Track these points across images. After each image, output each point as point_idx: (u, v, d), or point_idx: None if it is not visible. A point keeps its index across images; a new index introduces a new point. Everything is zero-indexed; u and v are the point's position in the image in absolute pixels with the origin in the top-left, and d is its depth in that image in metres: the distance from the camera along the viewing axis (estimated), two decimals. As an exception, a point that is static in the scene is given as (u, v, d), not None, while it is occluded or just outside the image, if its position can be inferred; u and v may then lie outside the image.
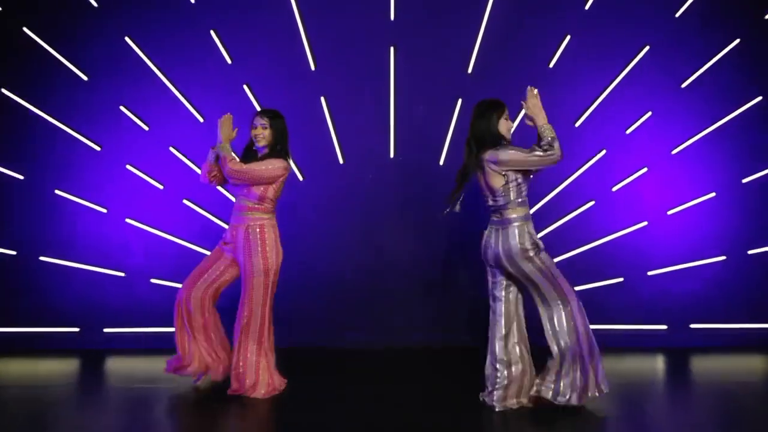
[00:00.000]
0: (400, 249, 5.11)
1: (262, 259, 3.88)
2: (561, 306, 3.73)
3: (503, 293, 3.81)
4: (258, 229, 3.89)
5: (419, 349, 4.97)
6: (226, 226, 5.02)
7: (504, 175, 3.66)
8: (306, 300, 5.07)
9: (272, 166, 3.87)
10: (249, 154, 4.03)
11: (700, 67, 5.05)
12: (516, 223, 3.67)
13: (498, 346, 3.78)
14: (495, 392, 3.74)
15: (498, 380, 3.75)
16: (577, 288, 4.96)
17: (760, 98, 5.04)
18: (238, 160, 3.93)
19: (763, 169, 5.09)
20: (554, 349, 3.71)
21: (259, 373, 3.91)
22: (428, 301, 5.10)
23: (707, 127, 5.08)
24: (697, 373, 4.55)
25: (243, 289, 3.93)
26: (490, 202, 3.75)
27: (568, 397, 3.67)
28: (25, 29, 4.90)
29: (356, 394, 3.98)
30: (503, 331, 3.78)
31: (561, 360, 3.70)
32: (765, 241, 5.11)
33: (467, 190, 3.90)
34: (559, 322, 3.72)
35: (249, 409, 3.78)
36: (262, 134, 3.92)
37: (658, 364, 4.78)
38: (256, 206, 3.91)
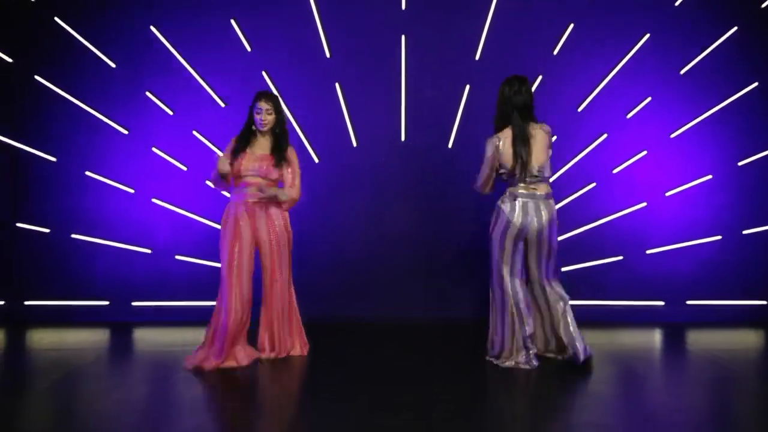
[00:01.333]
0: (410, 228, 5.21)
1: (286, 230, 4.11)
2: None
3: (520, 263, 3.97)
4: (275, 205, 4.09)
5: (422, 323, 5.05)
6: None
7: (550, 149, 3.87)
8: (318, 275, 5.16)
9: (296, 161, 4.11)
10: (247, 134, 4.08)
11: (699, 54, 5.12)
12: (552, 198, 3.89)
13: (525, 308, 3.91)
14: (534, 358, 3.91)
15: (531, 347, 3.90)
16: (578, 265, 5.18)
17: (756, 84, 5.10)
18: (285, 191, 4.06)
19: (759, 152, 5.16)
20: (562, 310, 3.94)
21: (294, 335, 4.19)
22: (433, 278, 5.21)
23: (705, 112, 5.14)
24: (692, 347, 4.63)
25: (273, 262, 4.07)
26: (535, 174, 3.79)
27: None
28: (57, 19, 5.05)
29: (362, 364, 4.05)
30: (528, 296, 3.97)
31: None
32: (759, 222, 5.19)
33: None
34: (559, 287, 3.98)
35: (266, 375, 3.88)
36: (269, 119, 4.02)
37: (655, 337, 4.86)
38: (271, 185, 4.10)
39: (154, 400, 3.48)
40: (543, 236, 3.86)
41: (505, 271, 3.91)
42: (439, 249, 5.23)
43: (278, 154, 4.05)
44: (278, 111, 4.05)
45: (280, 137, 4.08)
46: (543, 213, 3.84)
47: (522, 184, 3.84)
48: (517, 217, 3.83)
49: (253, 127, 4.08)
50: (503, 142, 3.84)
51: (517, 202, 3.84)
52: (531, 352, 3.89)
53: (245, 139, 4.07)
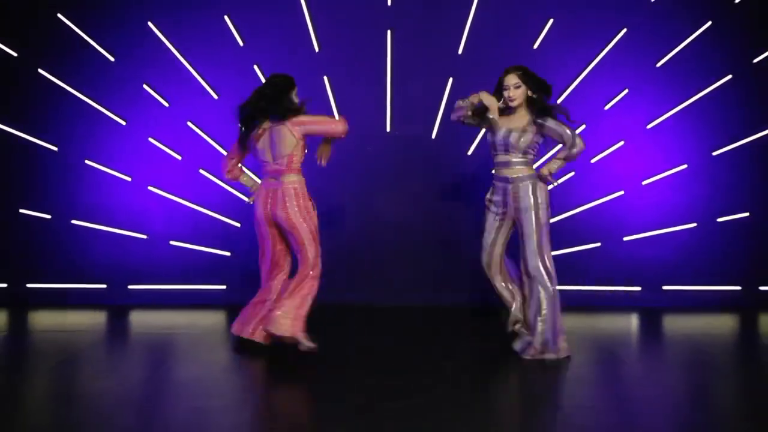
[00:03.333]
0: (396, 215, 5.25)
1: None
2: None
3: None
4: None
5: (409, 309, 5.09)
6: (236, 194, 5.22)
7: None
8: None
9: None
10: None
11: (674, 48, 5.16)
12: None
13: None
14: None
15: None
16: (558, 252, 5.13)
17: (730, 76, 5.14)
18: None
19: (732, 143, 5.20)
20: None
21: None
22: (419, 265, 5.26)
23: (680, 104, 5.18)
24: (668, 331, 4.69)
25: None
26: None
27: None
28: (59, 15, 5.16)
29: (357, 349, 4.08)
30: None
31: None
32: (733, 210, 5.22)
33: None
34: None
35: (260, 357, 3.89)
36: None
37: (632, 322, 4.92)
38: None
39: (153, 383, 3.53)
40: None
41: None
42: (423, 236, 5.27)
43: None
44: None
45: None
46: None
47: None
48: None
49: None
50: None
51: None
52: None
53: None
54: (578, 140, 3.84)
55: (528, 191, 3.86)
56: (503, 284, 4.09)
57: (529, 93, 3.82)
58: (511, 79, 3.81)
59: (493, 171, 4.01)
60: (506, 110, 3.90)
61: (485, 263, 4.07)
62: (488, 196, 4.04)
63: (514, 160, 3.88)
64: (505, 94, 3.84)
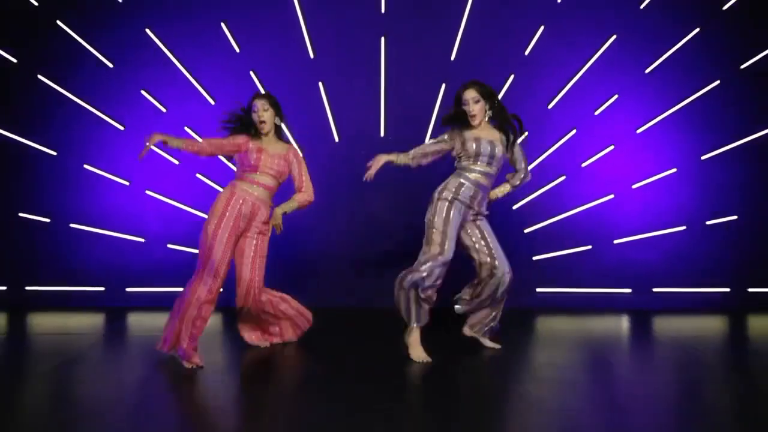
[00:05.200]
0: (390, 218, 5.28)
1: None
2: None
3: None
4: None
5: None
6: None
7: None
8: (302, 269, 5.25)
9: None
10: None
11: (663, 54, 5.22)
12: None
13: None
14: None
15: None
16: (549, 255, 5.22)
17: (717, 82, 5.20)
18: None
19: (720, 147, 5.26)
20: None
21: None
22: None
23: (669, 109, 5.27)
24: (658, 333, 4.70)
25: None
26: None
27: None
28: (58, 22, 5.21)
29: (349, 351, 4.05)
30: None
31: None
32: (721, 213, 5.29)
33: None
34: None
35: (256, 360, 3.88)
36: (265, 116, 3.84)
37: (623, 324, 4.96)
38: None
39: (150, 384, 3.50)
40: None
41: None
42: (418, 241, 5.05)
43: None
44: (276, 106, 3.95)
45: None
46: None
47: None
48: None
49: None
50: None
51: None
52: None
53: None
54: (529, 174, 4.07)
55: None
56: None
57: (487, 108, 3.83)
58: (470, 93, 3.80)
59: (470, 175, 3.87)
60: (467, 125, 3.88)
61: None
62: (453, 193, 3.84)
63: (491, 172, 3.90)
64: (465, 108, 3.83)
